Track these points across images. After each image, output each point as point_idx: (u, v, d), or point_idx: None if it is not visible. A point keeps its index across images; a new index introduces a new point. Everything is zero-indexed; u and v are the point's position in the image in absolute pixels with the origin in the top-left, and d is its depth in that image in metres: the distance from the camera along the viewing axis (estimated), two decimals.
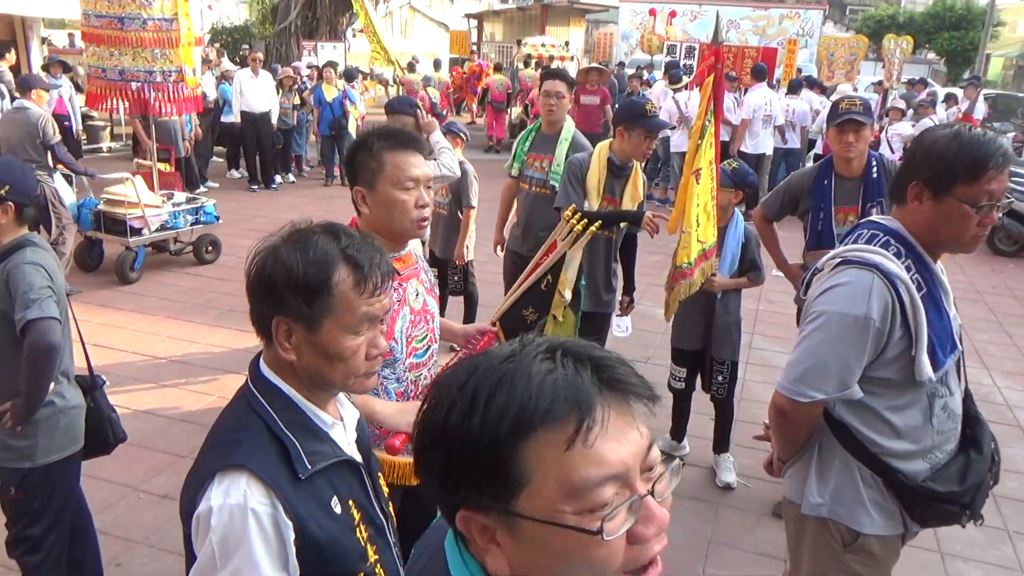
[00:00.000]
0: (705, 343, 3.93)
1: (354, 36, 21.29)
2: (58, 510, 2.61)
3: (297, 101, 11.37)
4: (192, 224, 7.22)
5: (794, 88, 10.95)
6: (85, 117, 12.44)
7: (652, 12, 18.47)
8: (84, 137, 12.29)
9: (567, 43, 18.05)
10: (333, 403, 1.49)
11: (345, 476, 1.43)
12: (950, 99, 12.56)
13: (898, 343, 1.87)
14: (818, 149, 10.46)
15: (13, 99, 7.18)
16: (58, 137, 6.25)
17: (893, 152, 9.72)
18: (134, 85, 6.44)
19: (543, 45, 16.22)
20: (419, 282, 2.23)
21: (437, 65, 15.98)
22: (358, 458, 1.49)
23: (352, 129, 11.03)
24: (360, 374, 1.42)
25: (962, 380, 2.07)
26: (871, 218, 2.09)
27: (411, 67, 14.18)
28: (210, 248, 7.39)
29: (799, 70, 15.58)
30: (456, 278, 5.45)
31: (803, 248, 3.90)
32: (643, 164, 4.01)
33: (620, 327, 4.24)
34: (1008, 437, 4.59)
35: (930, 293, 1.90)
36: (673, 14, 19.40)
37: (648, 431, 0.78)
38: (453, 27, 26.87)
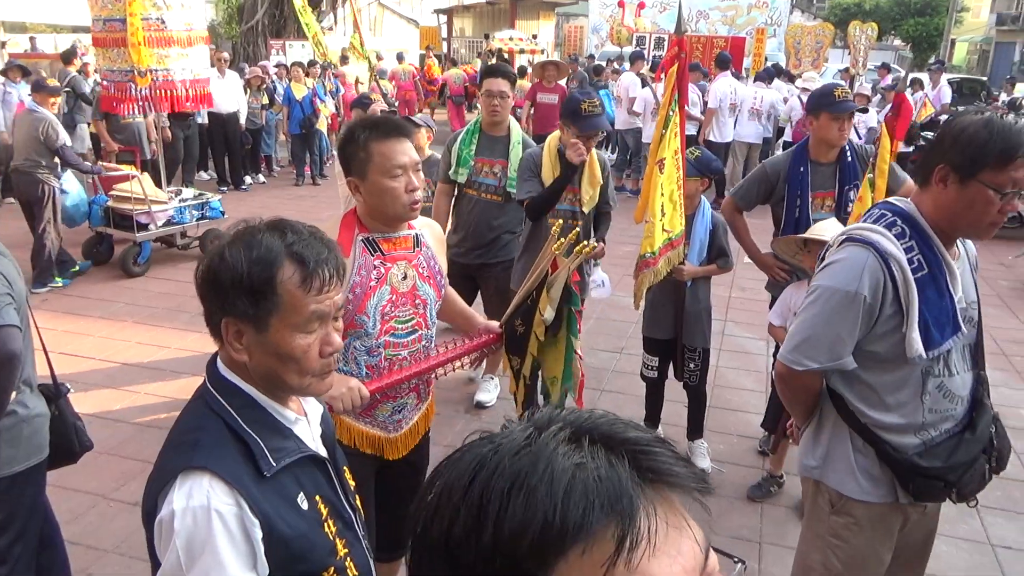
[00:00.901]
0: (676, 331, 3.95)
1: (323, 34, 21.12)
2: (24, 521, 2.57)
3: (266, 101, 11.27)
4: (198, 219, 7.45)
5: (763, 77, 11.03)
6: None
7: (621, 4, 18.50)
8: None
9: (534, 36, 18.03)
10: (295, 399, 1.47)
11: (311, 472, 1.42)
12: (916, 84, 12.71)
13: (890, 319, 1.95)
14: (787, 136, 10.55)
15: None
16: (63, 139, 6.42)
17: (860, 138, 9.83)
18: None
19: (511, 39, 16.21)
20: (411, 266, 2.28)
21: (400, 58, 16.36)
22: (323, 453, 1.48)
23: (323, 127, 10.95)
24: (315, 373, 1.40)
25: (975, 365, 2.11)
26: (888, 199, 2.14)
27: (343, 59, 13.99)
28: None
29: (766, 59, 15.72)
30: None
31: (772, 236, 3.93)
32: (605, 147, 4.02)
33: (596, 283, 4.16)
34: None
35: (931, 274, 1.95)
36: (642, 6, 19.47)
37: (703, 535, 0.62)
38: (423, 23, 26.75)
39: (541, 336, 2.53)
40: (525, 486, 0.57)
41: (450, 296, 2.55)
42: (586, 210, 3.86)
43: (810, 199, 3.73)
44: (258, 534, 1.26)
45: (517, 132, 4.22)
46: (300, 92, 10.97)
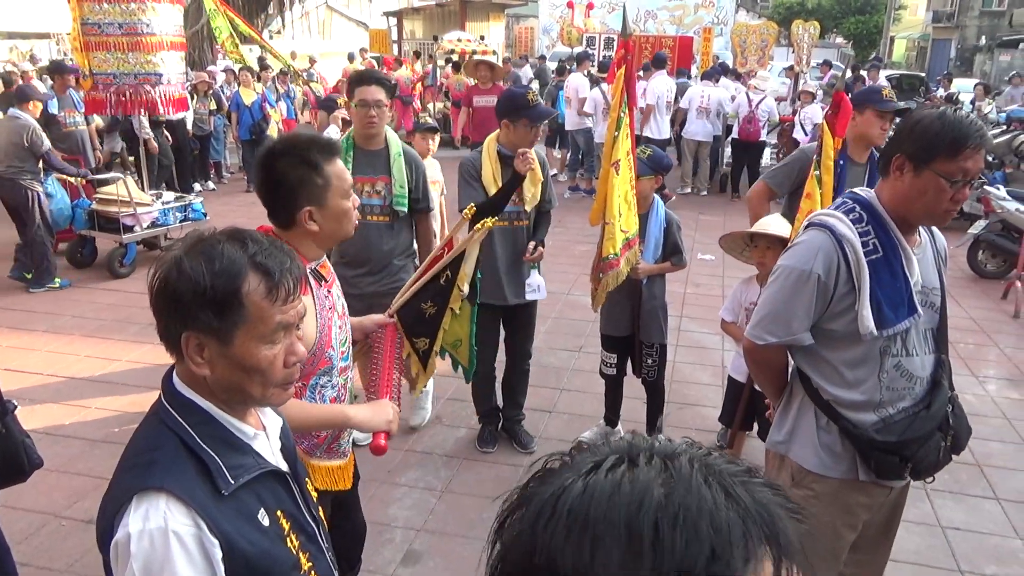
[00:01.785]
0: (633, 328, 4.00)
1: (271, 37, 20.82)
2: None
3: (213, 106, 11.07)
4: (181, 221, 7.54)
5: (710, 76, 11.21)
6: None
7: (571, 5, 18.61)
8: None
9: (482, 37, 18.03)
10: (254, 413, 1.45)
11: (271, 487, 1.40)
12: (859, 81, 13.07)
13: (844, 298, 2.08)
14: (735, 134, 10.75)
15: None
16: (47, 145, 6.59)
17: (807, 134, 10.07)
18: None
19: (459, 40, 16.18)
20: (336, 285, 2.23)
21: (351, 58, 17.09)
22: (284, 467, 1.46)
23: (274, 133, 10.79)
24: (278, 384, 1.38)
25: (936, 349, 2.22)
26: (852, 189, 2.26)
27: (262, 64, 13.82)
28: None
29: (716, 57, 15.97)
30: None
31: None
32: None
33: (532, 287, 4.10)
34: None
35: (886, 257, 2.07)
36: (591, 6, 19.63)
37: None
38: (372, 25, 26.56)
39: (458, 310, 2.62)
40: (683, 518, 0.56)
41: None
42: (528, 208, 3.85)
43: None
44: (218, 554, 1.23)
45: (396, 143, 3.79)
46: (249, 97, 10.80)
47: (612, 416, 4.33)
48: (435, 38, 17.29)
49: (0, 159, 6.47)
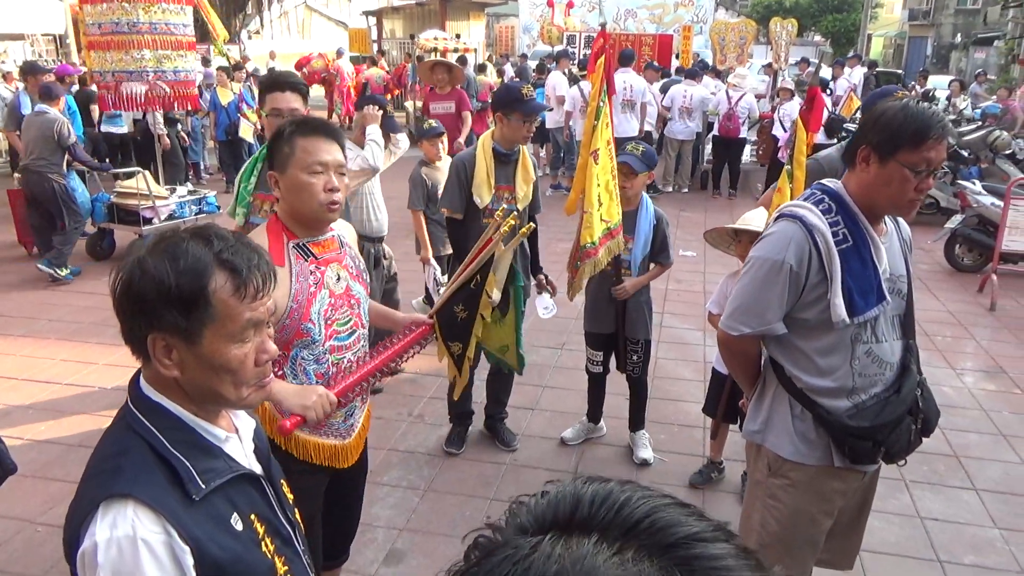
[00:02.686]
0: (617, 325, 4.00)
1: (249, 38, 20.68)
2: None
3: (189, 106, 10.95)
4: (196, 213, 7.74)
5: (691, 75, 11.22)
6: None
7: (551, 3, 18.61)
8: None
9: (458, 36, 17.98)
10: (225, 416, 1.42)
11: (244, 490, 1.37)
12: (838, 68, 13.26)
13: (816, 287, 2.11)
14: (715, 131, 10.80)
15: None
16: (74, 138, 6.97)
17: (785, 131, 10.12)
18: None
19: (436, 38, 16.14)
20: (341, 267, 2.27)
21: (340, 53, 17.38)
22: (257, 470, 1.44)
23: (246, 134, 10.69)
24: (251, 383, 1.36)
25: (904, 335, 2.26)
26: (820, 181, 2.29)
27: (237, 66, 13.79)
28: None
29: (697, 55, 16.04)
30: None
31: None
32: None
33: (545, 307, 4.21)
34: None
35: (855, 246, 2.10)
36: (571, 4, 19.59)
37: None
38: (352, 25, 26.44)
39: (488, 316, 2.61)
40: None
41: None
42: (521, 207, 3.87)
43: None
44: (189, 561, 1.20)
45: None
46: (226, 97, 10.70)
47: (595, 413, 4.33)
48: (412, 37, 17.24)
49: (29, 152, 6.85)
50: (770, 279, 2.13)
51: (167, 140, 9.24)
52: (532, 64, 15.56)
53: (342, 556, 2.71)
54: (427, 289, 5.04)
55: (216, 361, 1.29)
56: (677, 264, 5.93)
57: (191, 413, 1.33)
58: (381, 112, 4.26)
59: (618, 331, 4.02)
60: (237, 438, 1.42)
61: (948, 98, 13.72)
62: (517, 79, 16.52)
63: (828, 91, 12.60)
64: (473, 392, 4.11)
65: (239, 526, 1.31)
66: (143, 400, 1.32)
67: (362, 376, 2.27)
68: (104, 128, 10.38)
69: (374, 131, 4.09)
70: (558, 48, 14.72)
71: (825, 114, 8.43)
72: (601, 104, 3.63)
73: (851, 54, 19.81)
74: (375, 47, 21.81)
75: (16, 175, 7.99)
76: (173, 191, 7.91)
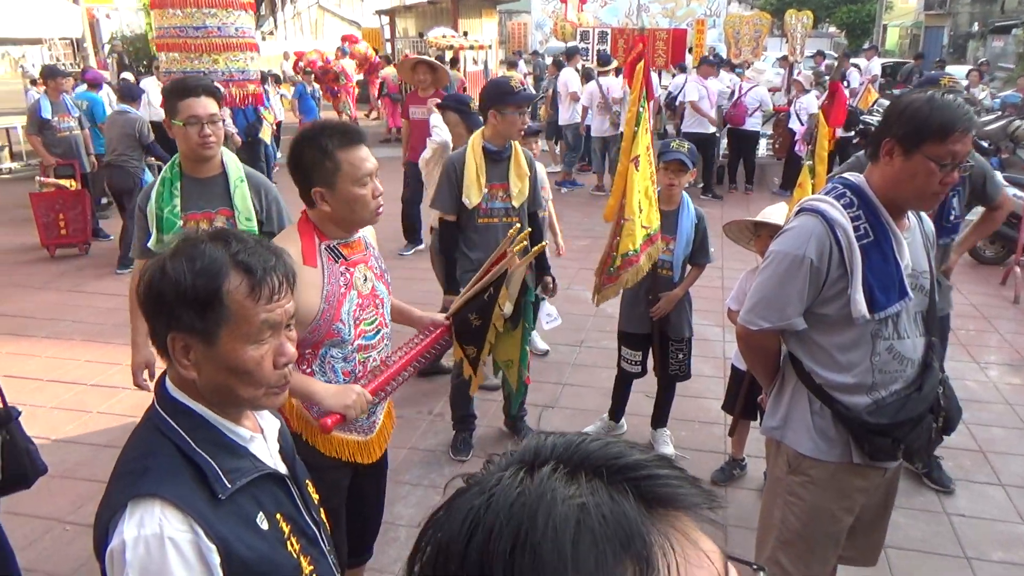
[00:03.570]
0: (654, 325, 3.97)
1: (263, 39, 20.77)
2: None
3: None
4: None
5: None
6: None
7: (563, 0, 18.60)
8: None
9: (465, 33, 17.97)
10: (250, 416, 1.44)
11: (270, 490, 1.39)
12: (855, 68, 13.10)
13: (836, 282, 2.09)
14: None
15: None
16: (152, 136, 7.56)
17: (802, 124, 10.06)
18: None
19: (443, 36, 16.15)
20: (368, 268, 2.31)
21: (342, 52, 17.71)
22: (283, 469, 1.45)
23: (265, 135, 10.75)
24: (270, 385, 1.37)
25: (927, 331, 2.23)
26: (842, 175, 2.27)
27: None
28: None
29: (712, 49, 15.94)
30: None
31: None
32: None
33: (549, 317, 4.23)
34: None
35: (877, 241, 2.08)
36: (584, 0, 19.58)
37: (719, 551, 0.59)
38: (365, 24, 26.48)
39: (500, 327, 2.63)
40: (528, 544, 0.52)
41: None
42: (516, 204, 3.83)
43: None
44: (215, 559, 1.22)
45: (236, 167, 3.04)
46: None
47: (618, 412, 4.32)
48: (420, 35, 17.25)
49: (113, 148, 7.39)
50: (790, 274, 2.12)
51: (238, 139, 9.40)
52: (547, 61, 15.53)
53: (366, 555, 2.73)
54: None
55: (232, 362, 1.31)
56: None
57: (216, 413, 1.34)
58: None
59: (658, 331, 3.98)
60: (262, 438, 1.44)
61: (967, 88, 13.57)
62: (529, 76, 16.56)
63: (845, 83, 12.49)
64: (476, 397, 4.12)
65: (265, 525, 1.33)
66: (169, 401, 1.34)
67: (393, 374, 2.31)
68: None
69: (436, 119, 5.06)
70: (570, 44, 14.68)
71: None
72: (641, 110, 3.60)
73: (867, 45, 19.65)
74: (388, 46, 21.84)
75: (43, 179, 8.11)
76: None
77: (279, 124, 11.64)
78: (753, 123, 10.50)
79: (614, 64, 10.63)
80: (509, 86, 3.71)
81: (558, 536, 0.52)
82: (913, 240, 2.19)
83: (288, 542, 1.38)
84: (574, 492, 0.55)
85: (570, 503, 0.54)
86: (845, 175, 2.24)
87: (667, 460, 0.60)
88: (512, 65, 14.49)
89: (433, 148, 5.08)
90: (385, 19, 23.18)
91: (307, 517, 1.47)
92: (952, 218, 3.46)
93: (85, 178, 8.27)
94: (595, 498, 0.54)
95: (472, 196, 3.72)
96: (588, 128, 10.64)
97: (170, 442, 1.29)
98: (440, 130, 5.04)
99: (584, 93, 10.37)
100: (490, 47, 18.62)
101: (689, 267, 3.96)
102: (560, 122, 10.90)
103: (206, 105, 2.87)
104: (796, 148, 10.22)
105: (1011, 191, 7.32)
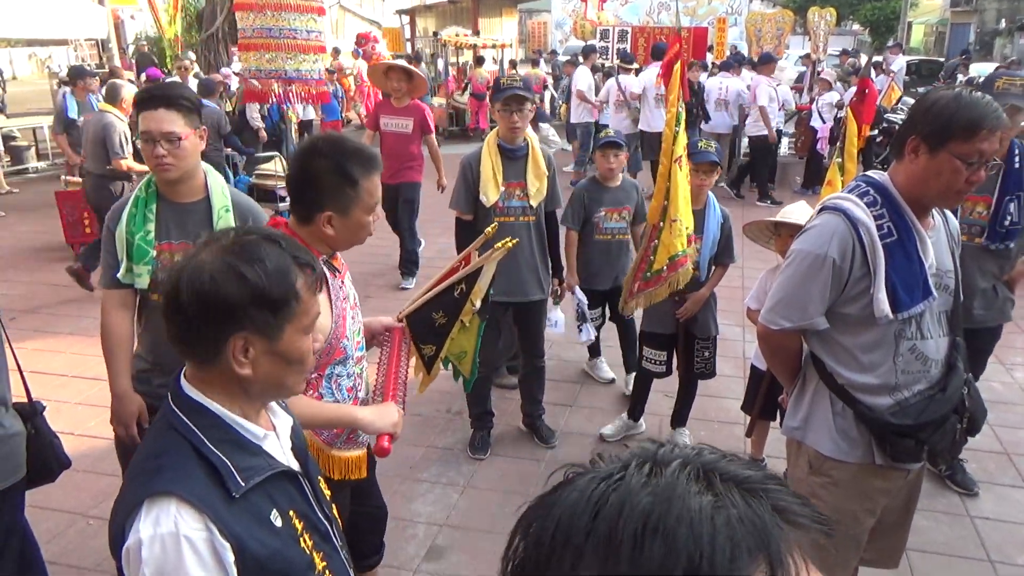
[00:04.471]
0: (679, 325, 3.95)
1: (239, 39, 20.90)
2: (3, 543, 2.52)
3: (229, 108, 11.13)
4: None
5: (727, 67, 11.02)
6: (7, 138, 12.00)
7: None
8: (8, 159, 11.85)
9: (478, 32, 17.99)
10: (264, 414, 1.45)
11: (283, 487, 1.40)
12: (877, 66, 12.91)
13: (859, 281, 2.07)
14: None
15: None
16: (229, 128, 8.43)
17: (824, 122, 9.96)
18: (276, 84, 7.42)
19: (456, 35, 16.18)
20: (348, 276, 2.28)
21: (356, 54, 17.59)
22: (295, 466, 1.46)
23: (293, 134, 10.85)
24: (308, 371, 1.44)
25: (951, 331, 2.20)
26: (866, 173, 2.24)
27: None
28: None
29: (733, 47, 15.83)
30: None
31: None
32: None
33: (552, 322, 4.21)
34: None
35: (901, 240, 2.05)
36: None
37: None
38: (385, 24, 26.59)
39: (468, 323, 2.62)
40: (663, 526, 0.53)
41: None
42: (534, 204, 3.82)
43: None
44: (230, 557, 1.23)
45: (221, 192, 2.63)
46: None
47: (637, 411, 4.30)
48: (434, 34, 17.29)
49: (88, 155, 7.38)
50: (812, 273, 2.10)
51: (264, 134, 10.30)
52: (564, 59, 15.53)
53: (379, 550, 2.74)
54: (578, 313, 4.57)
55: (292, 354, 1.36)
56: None
57: (231, 411, 1.35)
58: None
59: (679, 331, 3.96)
60: (275, 435, 1.44)
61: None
62: (548, 76, 16.55)
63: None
64: (494, 395, 4.13)
65: (278, 522, 1.34)
66: (184, 399, 1.34)
67: (394, 382, 2.30)
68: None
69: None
70: (587, 43, 14.65)
71: None
72: (680, 110, 3.58)
73: (891, 43, 19.41)
74: (407, 45, 21.91)
75: (69, 178, 8.22)
76: None
77: (306, 123, 11.72)
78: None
79: (635, 65, 10.60)
80: (499, 82, 3.73)
81: (694, 525, 0.53)
82: (938, 239, 2.16)
83: (301, 539, 1.39)
84: (704, 488, 0.56)
85: (705, 497, 0.55)
86: (868, 173, 2.22)
87: (780, 479, 0.61)
88: (535, 64, 14.50)
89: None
90: (406, 19, 23.26)
91: (320, 513, 1.48)
92: (1008, 223, 3.31)
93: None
94: (730, 498, 0.56)
95: (489, 194, 3.71)
96: (598, 125, 10.56)
97: (185, 441, 1.30)
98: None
99: (603, 90, 10.35)
100: (509, 46, 18.61)
101: (714, 267, 3.94)
102: (571, 120, 10.89)
103: (161, 120, 2.47)
104: (818, 146, 10.13)
105: None
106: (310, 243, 2.02)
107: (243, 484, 1.29)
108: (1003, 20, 34.96)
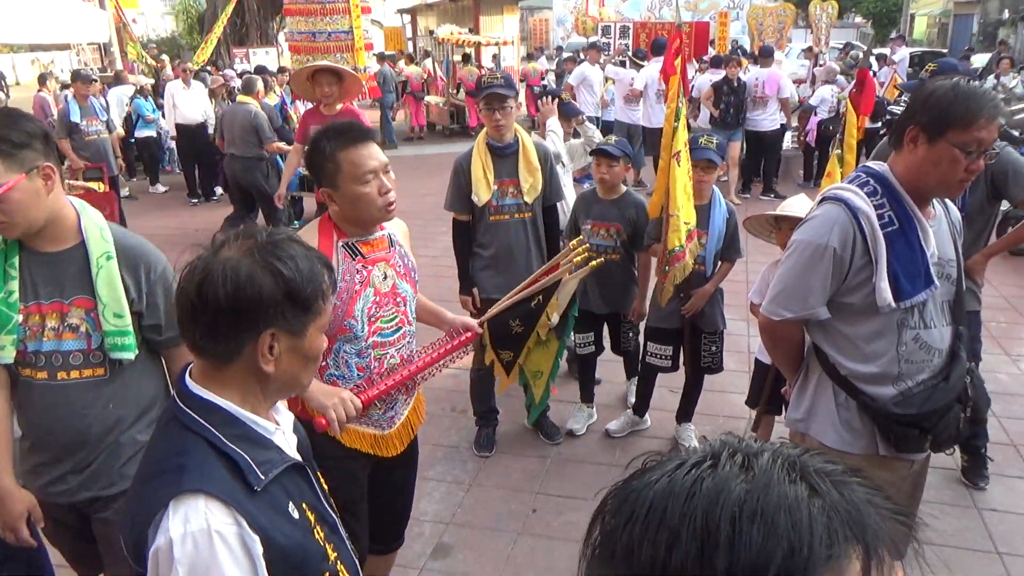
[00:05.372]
0: (685, 320, 3.94)
1: (286, 40, 20.91)
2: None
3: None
4: None
5: (717, 63, 10.76)
6: None
7: None
8: None
9: (470, 29, 17.98)
10: (268, 410, 1.46)
11: (295, 480, 1.42)
12: (881, 59, 12.87)
13: (861, 271, 2.07)
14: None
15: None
16: (281, 120, 8.68)
17: (816, 115, 9.96)
18: None
19: (451, 33, 16.20)
20: (389, 266, 2.32)
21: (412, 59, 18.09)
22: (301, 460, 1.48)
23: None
24: (316, 369, 1.48)
25: (953, 320, 2.20)
26: (866, 163, 2.25)
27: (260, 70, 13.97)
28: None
29: (735, 41, 15.79)
30: (631, 334, 4.38)
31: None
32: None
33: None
34: None
35: (902, 229, 2.06)
36: None
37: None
38: (387, 23, 26.59)
39: (544, 336, 2.67)
40: (761, 511, 0.55)
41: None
42: (529, 200, 3.76)
43: None
44: (259, 550, 1.24)
45: (100, 237, 2.07)
46: (270, 100, 10.85)
47: (643, 407, 4.30)
48: (430, 33, 17.32)
49: (231, 141, 7.80)
50: (813, 263, 2.10)
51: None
52: (567, 55, 15.52)
53: (397, 542, 2.76)
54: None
55: (312, 351, 1.40)
56: None
57: (242, 408, 1.36)
58: (556, 101, 4.86)
59: (685, 325, 3.95)
60: (281, 431, 1.46)
61: (996, 76, 13.30)
62: (550, 72, 16.55)
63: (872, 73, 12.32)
64: (496, 391, 4.13)
65: (296, 514, 1.36)
66: (194, 398, 1.34)
67: (395, 384, 2.32)
68: (137, 133, 11.01)
69: (553, 123, 4.80)
70: (591, 39, 14.64)
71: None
72: (680, 105, 3.58)
73: (894, 34, 19.34)
74: (409, 45, 21.92)
75: (75, 182, 8.23)
76: None
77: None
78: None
79: (645, 62, 10.59)
80: (479, 81, 3.74)
81: (792, 511, 0.55)
82: (939, 228, 2.17)
83: (315, 530, 1.41)
84: (798, 478, 0.58)
85: (801, 486, 0.57)
86: (869, 163, 2.22)
87: (860, 473, 0.63)
88: (532, 58, 14.50)
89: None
90: (407, 17, 23.27)
91: (327, 505, 1.51)
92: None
93: (113, 181, 8.39)
94: (824, 488, 0.58)
95: (481, 193, 3.69)
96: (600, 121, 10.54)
97: (201, 439, 1.30)
98: (555, 140, 4.65)
99: (616, 85, 10.42)
100: (512, 43, 18.59)
101: (719, 262, 3.93)
102: None
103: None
104: (807, 138, 10.14)
105: None
106: (340, 224, 2.25)
107: (263, 477, 1.30)
108: (1006, 11, 34.77)
